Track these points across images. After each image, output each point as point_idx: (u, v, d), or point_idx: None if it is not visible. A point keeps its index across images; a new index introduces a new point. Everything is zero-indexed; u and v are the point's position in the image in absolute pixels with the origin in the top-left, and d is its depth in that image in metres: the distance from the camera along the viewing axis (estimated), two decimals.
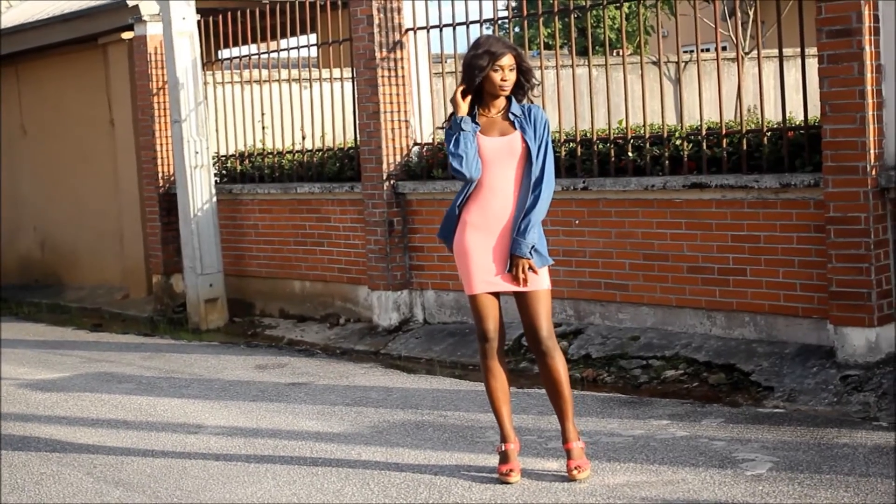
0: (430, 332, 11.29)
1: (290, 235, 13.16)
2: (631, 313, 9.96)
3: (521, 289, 6.52)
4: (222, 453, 7.64)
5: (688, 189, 9.39)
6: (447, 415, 8.35)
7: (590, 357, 9.70)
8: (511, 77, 6.50)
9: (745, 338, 9.17)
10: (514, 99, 6.61)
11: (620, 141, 9.99)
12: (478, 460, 7.07)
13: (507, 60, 6.47)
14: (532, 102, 6.71)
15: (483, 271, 6.55)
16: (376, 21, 11.56)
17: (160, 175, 14.60)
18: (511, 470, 6.61)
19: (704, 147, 9.40)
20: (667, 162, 9.62)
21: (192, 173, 13.40)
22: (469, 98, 6.55)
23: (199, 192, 13.44)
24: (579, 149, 10.24)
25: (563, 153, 10.32)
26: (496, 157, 6.52)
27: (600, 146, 10.12)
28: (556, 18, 10.86)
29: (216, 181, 13.87)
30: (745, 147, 9.16)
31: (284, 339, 12.36)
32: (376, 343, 11.45)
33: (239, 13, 13.51)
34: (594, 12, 13.19)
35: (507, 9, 15.58)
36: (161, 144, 14.55)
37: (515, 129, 6.55)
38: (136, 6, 14.54)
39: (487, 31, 11.13)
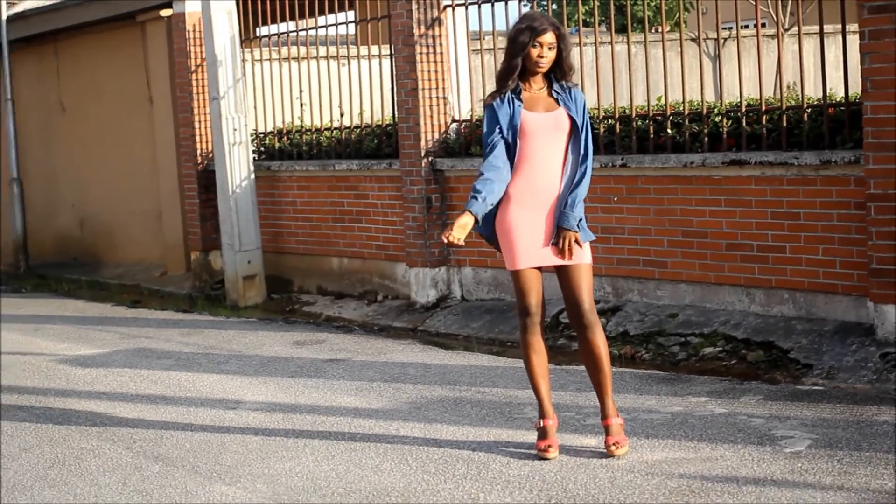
0: (468, 308, 11.30)
1: (328, 212, 13.18)
2: (669, 290, 9.93)
3: (565, 262, 6.52)
4: (261, 428, 7.68)
5: (727, 166, 9.35)
6: (485, 391, 8.36)
7: (628, 334, 9.69)
8: (549, 55, 6.51)
9: (784, 315, 9.13)
10: (553, 78, 6.62)
11: (659, 118, 9.96)
12: (516, 436, 7.07)
13: (548, 38, 6.47)
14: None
15: (528, 246, 6.55)
16: None
17: (199, 152, 14.64)
18: (549, 446, 6.61)
19: (744, 124, 9.36)
20: (706, 139, 9.59)
21: (230, 150, 13.42)
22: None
23: (238, 170, 13.47)
24: (618, 126, 10.21)
25: (602, 130, 10.30)
26: (542, 133, 6.53)
27: (639, 123, 10.09)
28: None
29: (254, 158, 13.88)
30: (784, 124, 9.11)
31: (322, 316, 12.39)
32: (414, 320, 11.46)
33: None
34: None
35: None
36: (199, 121, 14.58)
37: (559, 105, 6.57)
38: None
39: (525, 8, 11.09)
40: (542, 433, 6.68)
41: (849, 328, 8.65)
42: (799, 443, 6.61)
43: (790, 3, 18.92)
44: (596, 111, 10.43)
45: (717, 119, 9.56)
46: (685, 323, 9.54)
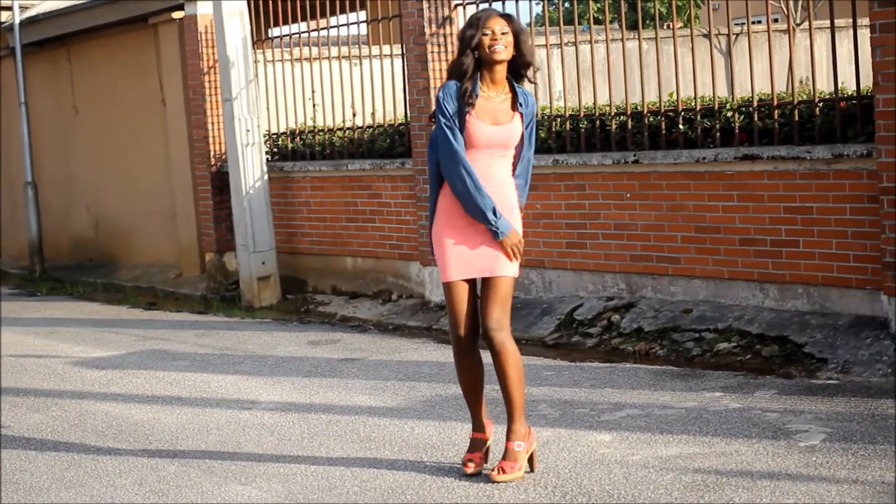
0: None
1: (341, 212, 13.20)
2: (683, 286, 9.92)
3: (489, 275, 6.30)
4: (276, 428, 7.69)
5: (739, 161, 9.35)
6: (498, 389, 8.34)
7: (642, 330, 9.68)
8: (505, 40, 6.09)
9: (798, 310, 9.12)
10: (515, 85, 6.25)
11: (671, 113, 9.96)
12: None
13: (497, 23, 6.08)
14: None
15: (458, 257, 6.34)
16: None
17: (212, 154, 14.66)
18: (470, 460, 6.46)
19: (756, 119, 9.35)
20: (718, 134, 9.58)
21: (243, 151, 13.44)
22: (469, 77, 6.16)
23: (251, 171, 13.49)
24: (630, 122, 10.21)
25: (614, 126, 10.30)
26: (487, 149, 6.19)
27: (651, 119, 10.09)
28: None
29: (267, 159, 13.91)
30: (796, 118, 9.10)
31: (337, 316, 12.40)
32: (428, 318, 11.47)
33: None
34: None
35: None
36: (212, 123, 14.60)
37: (515, 115, 6.22)
38: None
39: (537, 6, 11.09)
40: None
41: (863, 322, 8.63)
42: (813, 437, 6.61)
43: None
44: (608, 108, 10.44)
45: (729, 114, 9.56)
46: (699, 318, 9.53)
